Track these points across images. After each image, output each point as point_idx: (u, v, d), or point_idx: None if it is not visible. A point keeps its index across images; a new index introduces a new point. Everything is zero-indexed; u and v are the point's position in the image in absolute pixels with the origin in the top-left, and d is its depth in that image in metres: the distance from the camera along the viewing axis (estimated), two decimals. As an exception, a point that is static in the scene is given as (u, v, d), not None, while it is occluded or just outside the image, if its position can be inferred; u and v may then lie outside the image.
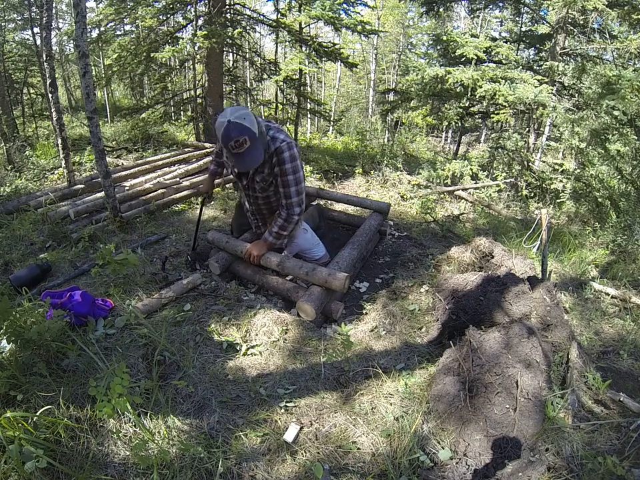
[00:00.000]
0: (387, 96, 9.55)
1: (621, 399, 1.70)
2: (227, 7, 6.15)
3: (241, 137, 1.86)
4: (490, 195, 5.21)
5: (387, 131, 9.81)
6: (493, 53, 6.30)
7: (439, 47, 6.67)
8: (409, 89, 6.68)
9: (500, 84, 5.26)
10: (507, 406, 1.50)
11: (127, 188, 3.75)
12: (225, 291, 2.35)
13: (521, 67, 6.07)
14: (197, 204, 3.87)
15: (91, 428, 1.43)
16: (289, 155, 2.03)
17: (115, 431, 1.43)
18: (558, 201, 5.33)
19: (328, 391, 1.70)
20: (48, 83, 3.66)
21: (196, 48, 5.54)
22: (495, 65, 6.12)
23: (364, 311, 2.41)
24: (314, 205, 3.55)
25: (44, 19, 3.66)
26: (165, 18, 6.72)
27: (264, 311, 2.14)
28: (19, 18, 8.14)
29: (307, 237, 2.60)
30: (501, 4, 7.44)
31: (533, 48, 7.97)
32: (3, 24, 7.74)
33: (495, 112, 6.36)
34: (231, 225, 3.04)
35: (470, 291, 2.13)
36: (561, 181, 5.47)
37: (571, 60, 6.44)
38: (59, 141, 3.78)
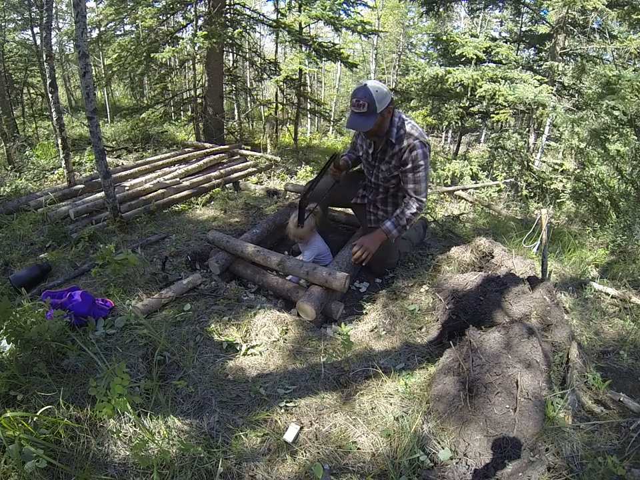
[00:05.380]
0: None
1: (621, 399, 1.70)
2: (227, 7, 6.16)
3: (362, 100, 2.08)
4: (490, 194, 5.21)
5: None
6: (492, 53, 6.31)
7: (438, 47, 6.69)
8: (409, 88, 6.69)
9: (500, 84, 5.28)
10: (507, 406, 1.50)
11: (127, 188, 3.75)
12: (225, 291, 2.35)
13: (520, 67, 6.08)
14: (197, 204, 3.86)
15: (91, 428, 1.43)
16: (422, 152, 2.24)
17: (115, 430, 1.43)
18: (558, 201, 5.33)
19: (328, 391, 1.70)
20: (48, 83, 3.66)
21: (196, 48, 5.55)
22: (494, 64, 6.13)
23: (364, 311, 2.41)
24: (421, 219, 3.26)
25: (44, 19, 3.66)
26: (165, 18, 6.74)
27: (264, 311, 2.14)
28: (19, 18, 8.13)
29: (322, 241, 2.75)
30: (501, 4, 7.46)
31: (533, 48, 7.98)
32: (3, 24, 7.74)
33: (495, 112, 6.37)
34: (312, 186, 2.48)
35: (470, 291, 2.13)
36: (561, 181, 5.48)
37: (571, 60, 6.46)
38: (59, 141, 3.78)
